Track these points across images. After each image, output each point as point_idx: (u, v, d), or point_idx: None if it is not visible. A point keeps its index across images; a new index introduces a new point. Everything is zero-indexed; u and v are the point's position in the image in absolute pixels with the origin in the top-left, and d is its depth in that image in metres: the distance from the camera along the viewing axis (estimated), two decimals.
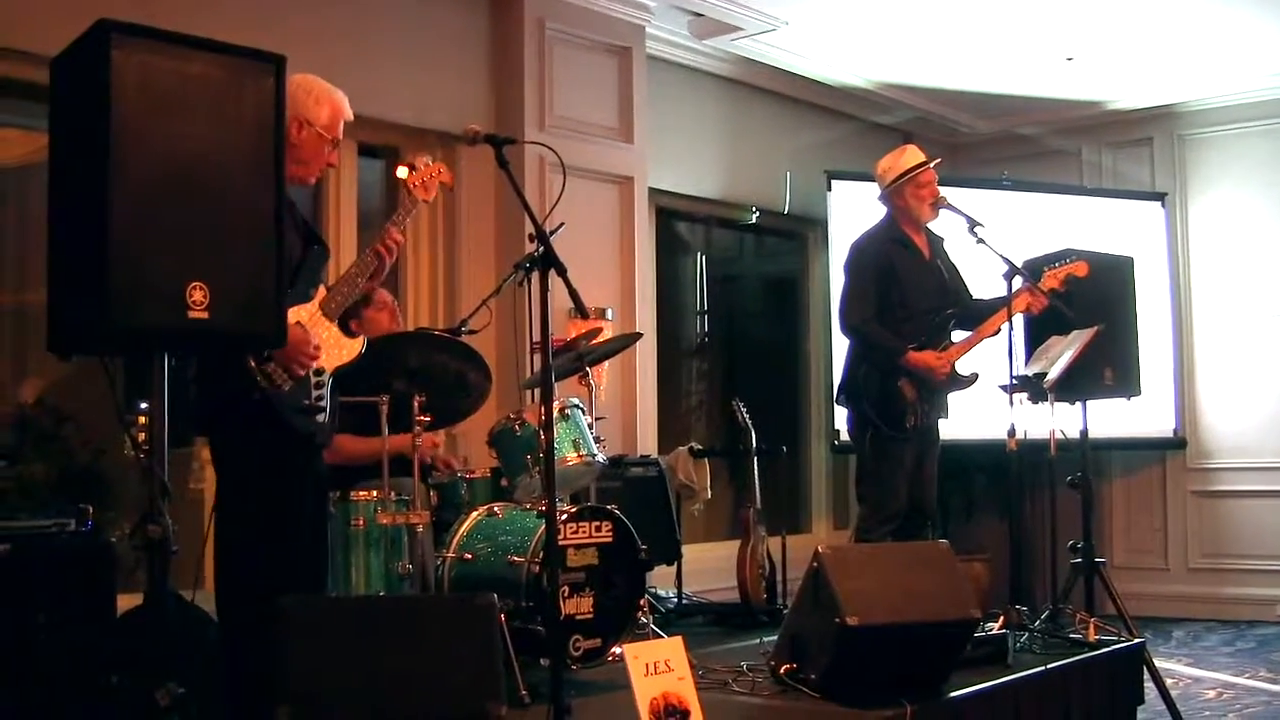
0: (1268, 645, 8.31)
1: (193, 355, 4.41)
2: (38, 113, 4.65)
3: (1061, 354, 6.07)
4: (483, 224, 7.21)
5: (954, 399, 6.21)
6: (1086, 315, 6.10)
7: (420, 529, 4.91)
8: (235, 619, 4.19)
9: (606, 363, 6.66)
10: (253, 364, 4.11)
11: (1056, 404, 6.12)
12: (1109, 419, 7.24)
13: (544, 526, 4.40)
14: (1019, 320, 6.05)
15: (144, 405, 3.61)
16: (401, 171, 4.72)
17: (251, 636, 4.04)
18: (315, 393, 4.30)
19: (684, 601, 7.38)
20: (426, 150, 7.18)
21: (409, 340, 5.21)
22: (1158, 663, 6.18)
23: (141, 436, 3.71)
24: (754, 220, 9.34)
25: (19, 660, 4.13)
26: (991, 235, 5.85)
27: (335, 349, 4.39)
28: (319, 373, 4.32)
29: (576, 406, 5.50)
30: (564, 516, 4.95)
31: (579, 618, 4.97)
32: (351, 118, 4.59)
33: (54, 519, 4.47)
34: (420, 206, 4.73)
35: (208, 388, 4.26)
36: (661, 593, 7.33)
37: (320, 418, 4.32)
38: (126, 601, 4.53)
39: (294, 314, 4.24)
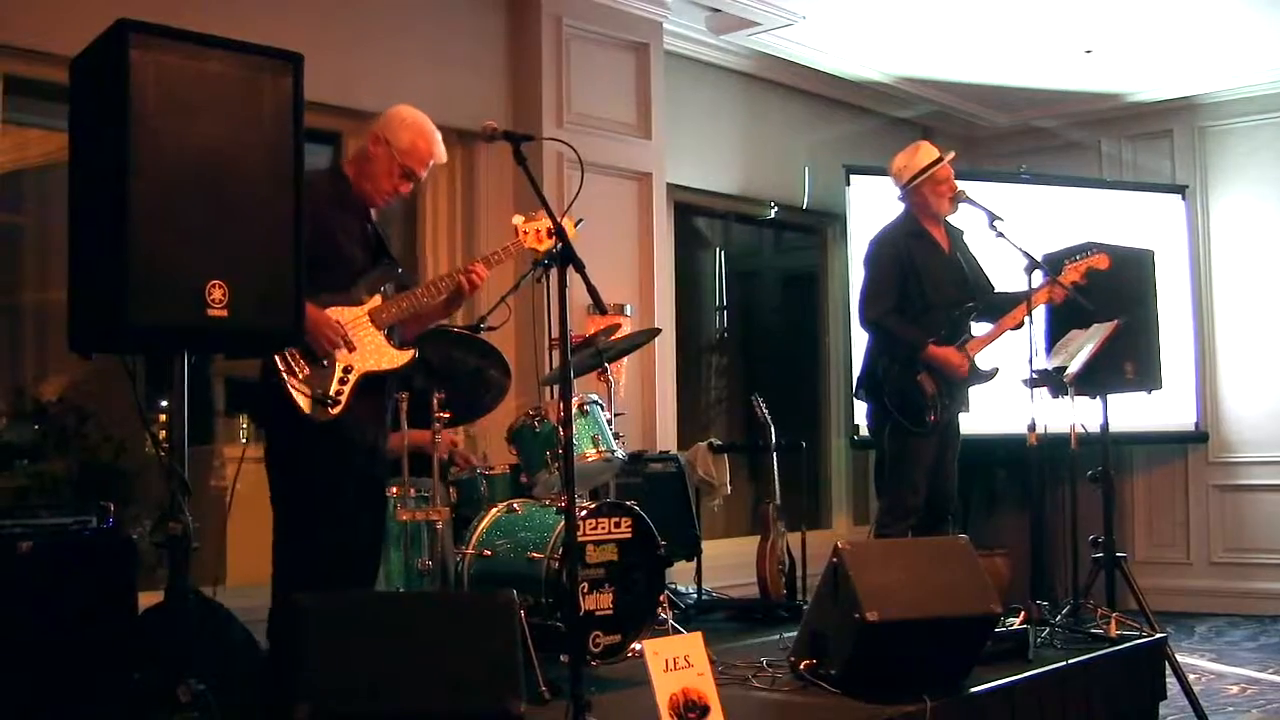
0: None
1: (212, 353, 4.47)
2: (58, 113, 4.67)
3: (1082, 348, 6.05)
4: (501, 220, 7.20)
5: (975, 393, 6.19)
6: (1107, 309, 6.08)
7: (440, 525, 4.93)
8: (274, 609, 4.34)
9: (625, 359, 6.66)
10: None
11: (1077, 398, 6.10)
12: (1130, 413, 7.20)
13: (563, 523, 4.40)
14: (1040, 313, 6.04)
15: (164, 403, 3.63)
16: (516, 219, 4.82)
17: (277, 629, 4.10)
18: (336, 386, 4.34)
19: (703, 597, 7.38)
20: (446, 148, 7.18)
21: (428, 337, 5.21)
22: (1180, 658, 6.16)
23: (162, 434, 3.73)
24: (773, 215, 9.33)
25: (41, 656, 4.15)
26: (1011, 229, 5.84)
27: (373, 354, 4.47)
28: (347, 369, 4.36)
29: (595, 402, 5.50)
30: (583, 513, 4.96)
31: (599, 613, 4.97)
32: (443, 160, 4.75)
33: (75, 516, 4.48)
34: (525, 253, 4.88)
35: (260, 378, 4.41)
36: (681, 588, 7.34)
37: (334, 411, 4.34)
38: (148, 598, 4.55)
39: (334, 313, 4.41)
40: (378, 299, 4.51)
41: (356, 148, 4.66)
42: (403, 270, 4.83)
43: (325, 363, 4.33)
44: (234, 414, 6.76)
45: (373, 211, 4.71)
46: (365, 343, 4.44)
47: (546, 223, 4.73)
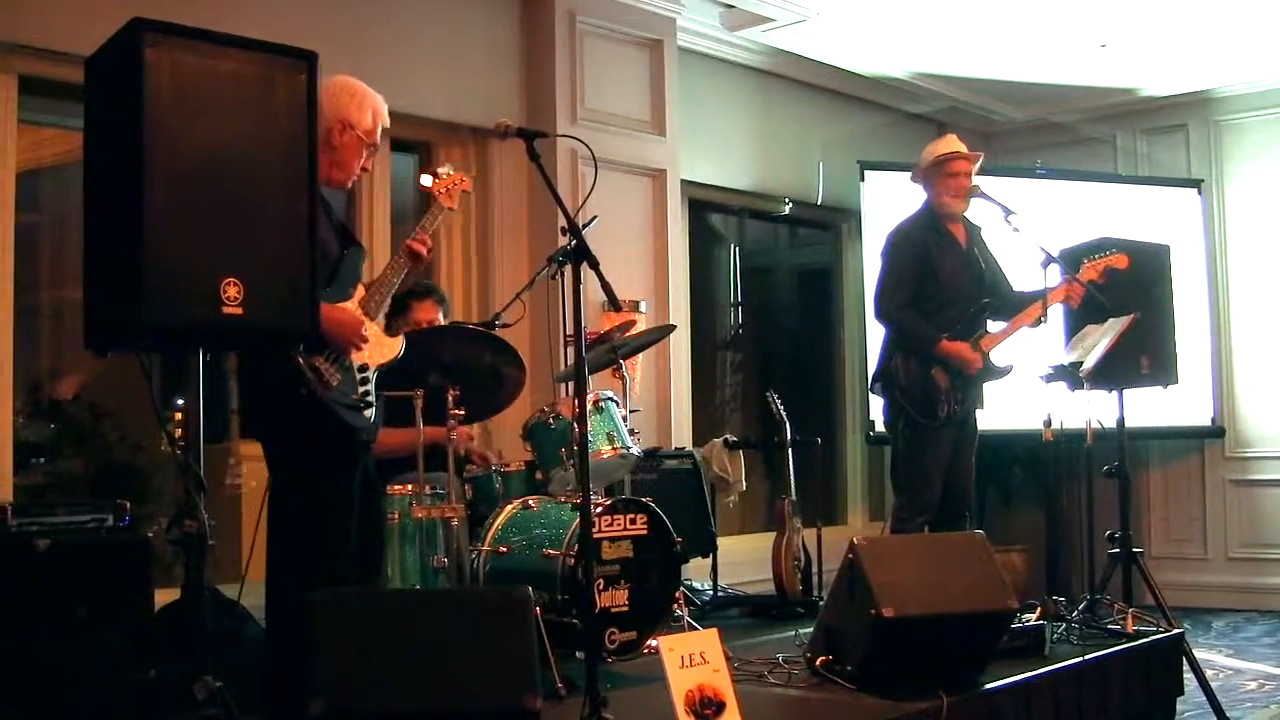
0: None
1: (228, 351, 4.45)
2: (73, 112, 4.68)
3: (1098, 342, 6.03)
4: (515, 218, 7.22)
5: (990, 389, 6.18)
6: (1122, 303, 6.06)
7: (455, 522, 4.92)
8: (284, 613, 4.23)
9: (640, 355, 6.66)
10: (300, 360, 4.14)
11: (1093, 393, 6.09)
12: (1146, 408, 7.18)
13: (579, 519, 4.40)
14: (1056, 308, 6.02)
15: (180, 401, 3.64)
16: (425, 180, 4.77)
17: (299, 631, 4.07)
18: (361, 388, 4.34)
19: (719, 594, 7.37)
20: (458, 144, 7.20)
21: (443, 334, 5.22)
22: (1197, 654, 6.14)
23: (178, 432, 3.73)
24: (787, 211, 9.32)
25: (58, 654, 4.16)
26: (1026, 224, 5.83)
27: (378, 347, 4.45)
28: (363, 368, 4.35)
29: (610, 399, 5.50)
30: (599, 509, 4.96)
31: (614, 610, 4.97)
32: (389, 123, 4.63)
33: (92, 514, 4.50)
34: (446, 213, 4.78)
35: (254, 386, 4.31)
36: (697, 585, 7.33)
37: (368, 413, 4.36)
38: (164, 596, 4.56)
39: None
40: (361, 289, 4.47)
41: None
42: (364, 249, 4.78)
43: (347, 365, 4.32)
44: None
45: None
46: (368, 336, 4.42)
47: (456, 178, 4.73)
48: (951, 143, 6.21)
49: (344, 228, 4.66)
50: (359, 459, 4.45)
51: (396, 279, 4.55)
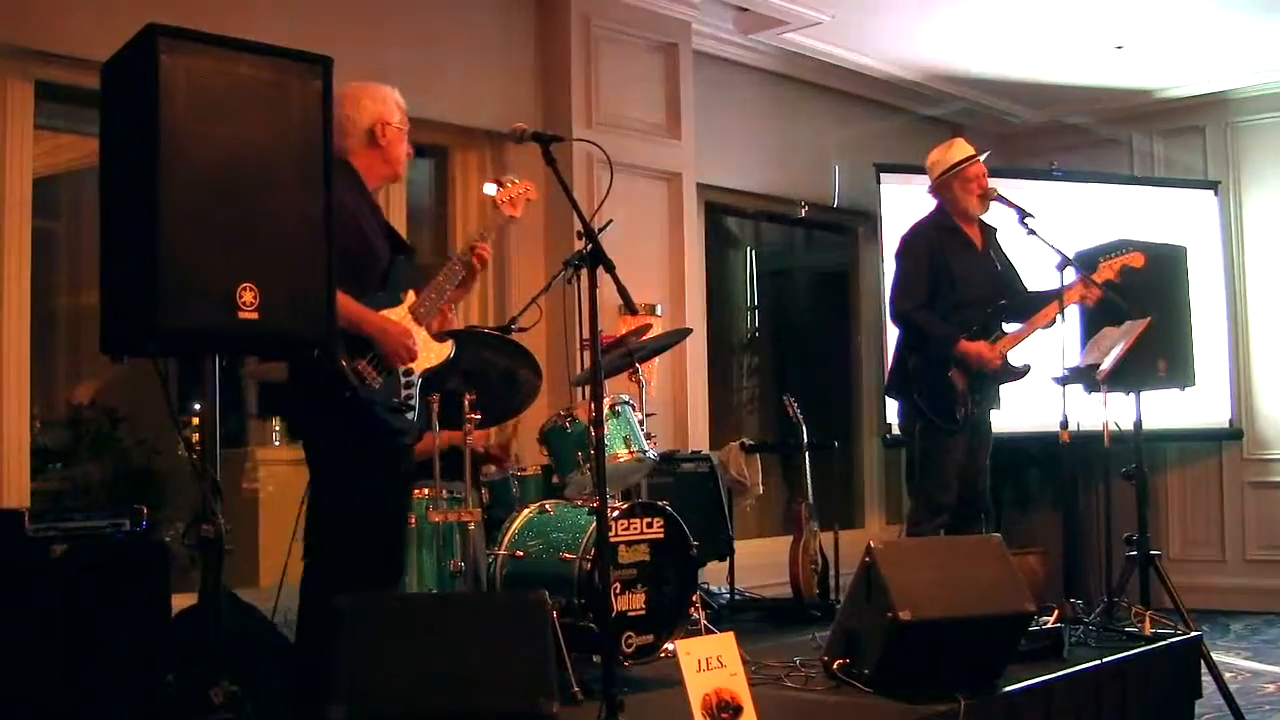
0: None
1: (244, 356, 4.46)
2: (89, 118, 4.69)
3: (1114, 345, 6.01)
4: (531, 222, 7.21)
5: (1006, 391, 6.17)
6: (1139, 306, 6.04)
7: (472, 527, 4.93)
8: (319, 616, 4.24)
9: (656, 359, 6.65)
10: (344, 363, 4.17)
11: (1110, 395, 6.07)
12: (1164, 410, 7.16)
13: (595, 523, 4.39)
14: (1073, 311, 6.00)
15: (196, 406, 3.64)
16: (489, 188, 4.86)
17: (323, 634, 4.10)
18: (405, 392, 4.37)
19: (736, 597, 7.37)
20: (475, 148, 7.21)
21: (459, 338, 5.22)
22: (1216, 656, 6.11)
23: (194, 437, 3.74)
24: (803, 214, 9.30)
25: (75, 658, 4.17)
26: (1042, 226, 5.81)
27: (425, 352, 4.48)
28: (408, 372, 4.38)
29: (627, 403, 5.49)
30: (615, 513, 4.95)
31: (631, 614, 4.96)
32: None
33: (109, 519, 4.50)
34: (509, 222, 4.86)
35: (301, 389, 4.36)
36: (713, 588, 7.33)
37: (410, 416, 4.40)
38: (181, 600, 4.57)
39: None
40: (413, 294, 4.50)
41: (355, 142, 4.54)
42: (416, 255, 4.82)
43: (391, 368, 4.34)
44: (266, 416, 6.79)
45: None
46: (416, 344, 4.45)
47: (521, 187, 4.78)
48: (964, 148, 6.19)
49: (395, 233, 4.70)
50: (401, 461, 4.49)
51: (450, 286, 4.59)
